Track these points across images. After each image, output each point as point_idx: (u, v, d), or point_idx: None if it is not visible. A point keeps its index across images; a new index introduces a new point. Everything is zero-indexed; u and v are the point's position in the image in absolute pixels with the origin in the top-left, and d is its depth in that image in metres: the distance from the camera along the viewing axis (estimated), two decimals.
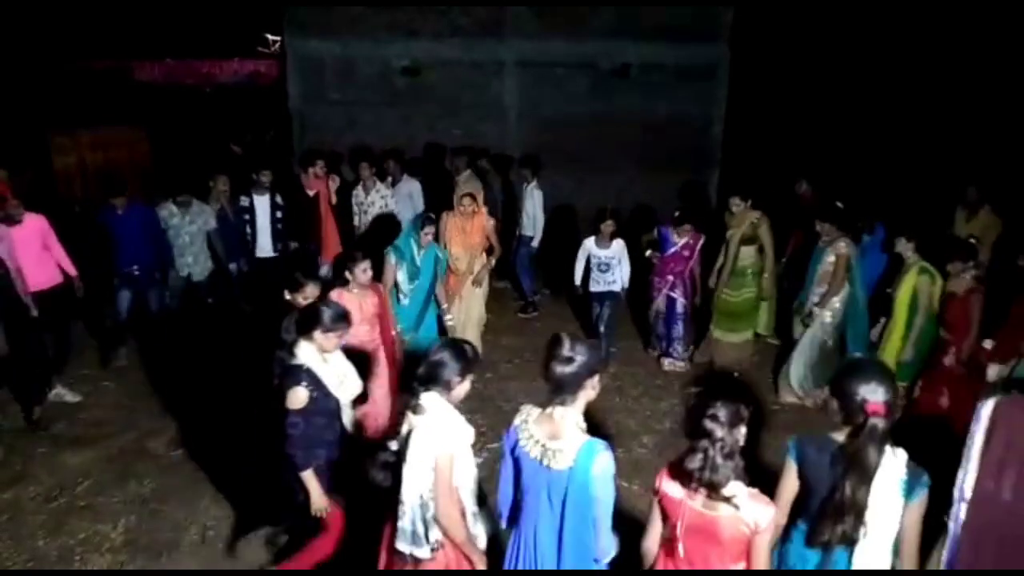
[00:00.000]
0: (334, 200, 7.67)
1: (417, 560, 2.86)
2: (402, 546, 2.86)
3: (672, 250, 6.42)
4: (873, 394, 2.43)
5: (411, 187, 8.02)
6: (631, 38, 9.86)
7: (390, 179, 7.97)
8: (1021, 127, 9.30)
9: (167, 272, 6.85)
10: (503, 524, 2.93)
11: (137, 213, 6.53)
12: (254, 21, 16.19)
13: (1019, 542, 2.75)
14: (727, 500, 2.39)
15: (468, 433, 2.82)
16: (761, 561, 2.42)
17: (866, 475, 2.40)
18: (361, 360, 4.31)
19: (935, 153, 10.12)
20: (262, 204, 7.31)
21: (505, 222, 7.99)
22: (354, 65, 10.10)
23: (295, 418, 3.33)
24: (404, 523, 2.84)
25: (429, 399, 2.80)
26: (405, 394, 3.30)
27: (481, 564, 2.92)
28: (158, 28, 15.73)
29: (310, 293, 4.23)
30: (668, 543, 2.58)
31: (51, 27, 14.18)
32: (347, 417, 3.69)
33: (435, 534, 2.83)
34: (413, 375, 2.89)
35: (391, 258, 5.60)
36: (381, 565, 3.03)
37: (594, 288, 6.56)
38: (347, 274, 4.73)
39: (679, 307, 6.48)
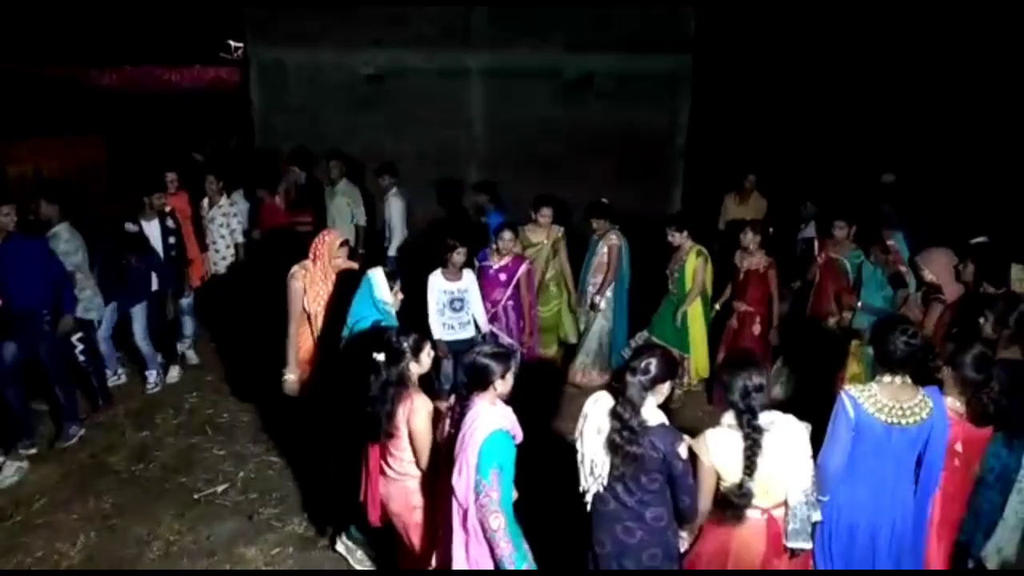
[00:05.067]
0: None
1: (796, 553, 3.07)
2: (795, 544, 3.03)
3: (489, 273, 5.70)
4: None
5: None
6: (595, 48, 9.95)
7: (240, 192, 7.64)
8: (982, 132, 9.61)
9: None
10: (824, 495, 3.13)
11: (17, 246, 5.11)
12: (216, 27, 16.00)
13: None
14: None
15: None
16: None
17: None
18: None
19: (892, 154, 10.37)
20: (152, 230, 6.28)
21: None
22: (318, 72, 10.04)
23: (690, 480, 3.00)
24: (795, 525, 3.01)
25: (771, 415, 3.00)
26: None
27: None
28: (117, 34, 15.46)
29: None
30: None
31: (6, 34, 13.85)
32: None
33: (816, 516, 3.10)
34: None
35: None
36: None
37: (448, 336, 5.39)
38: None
39: (507, 342, 5.65)
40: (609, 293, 6.21)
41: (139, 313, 6.06)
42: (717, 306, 6.04)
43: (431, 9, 9.77)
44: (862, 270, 5.50)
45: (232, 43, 17.54)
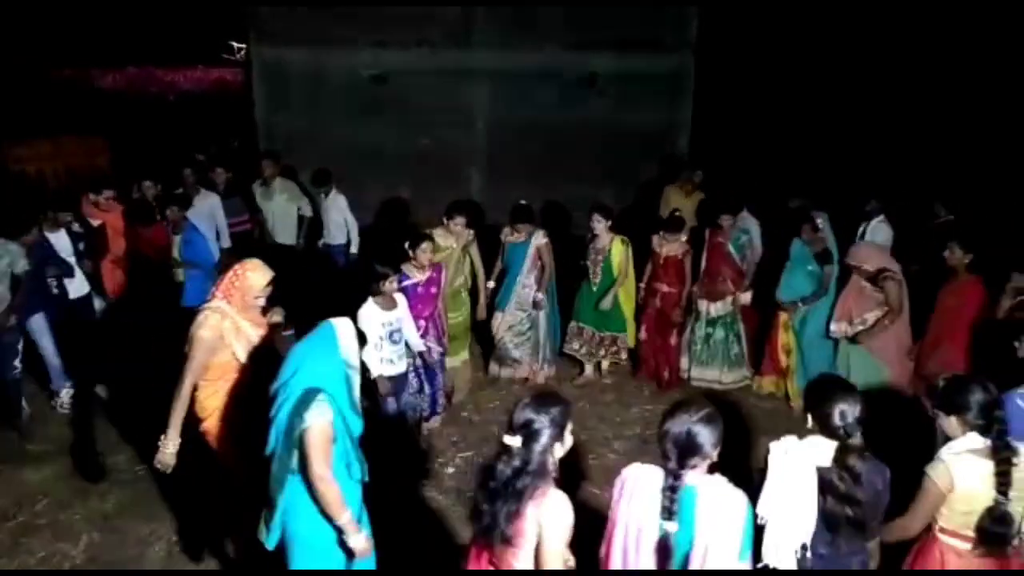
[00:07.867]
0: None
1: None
2: None
3: (417, 291, 5.26)
4: None
5: (210, 202, 7.08)
6: (598, 48, 9.95)
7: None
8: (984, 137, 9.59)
9: None
10: None
11: None
12: (219, 28, 16.03)
13: None
14: None
15: None
16: None
17: None
18: None
19: (895, 158, 10.36)
20: (60, 240, 5.93)
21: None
22: (321, 73, 10.05)
23: None
24: None
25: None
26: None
27: None
28: (120, 36, 15.50)
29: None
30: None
31: (10, 36, 13.89)
32: None
33: None
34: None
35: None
36: None
37: (388, 371, 4.90)
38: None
39: (436, 355, 5.38)
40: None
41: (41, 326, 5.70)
42: (643, 284, 6.42)
43: (433, 10, 9.78)
44: (791, 247, 6.02)
45: (235, 44, 17.57)
